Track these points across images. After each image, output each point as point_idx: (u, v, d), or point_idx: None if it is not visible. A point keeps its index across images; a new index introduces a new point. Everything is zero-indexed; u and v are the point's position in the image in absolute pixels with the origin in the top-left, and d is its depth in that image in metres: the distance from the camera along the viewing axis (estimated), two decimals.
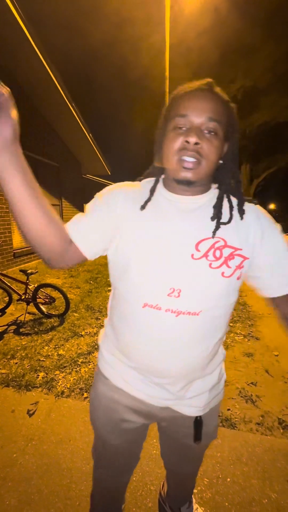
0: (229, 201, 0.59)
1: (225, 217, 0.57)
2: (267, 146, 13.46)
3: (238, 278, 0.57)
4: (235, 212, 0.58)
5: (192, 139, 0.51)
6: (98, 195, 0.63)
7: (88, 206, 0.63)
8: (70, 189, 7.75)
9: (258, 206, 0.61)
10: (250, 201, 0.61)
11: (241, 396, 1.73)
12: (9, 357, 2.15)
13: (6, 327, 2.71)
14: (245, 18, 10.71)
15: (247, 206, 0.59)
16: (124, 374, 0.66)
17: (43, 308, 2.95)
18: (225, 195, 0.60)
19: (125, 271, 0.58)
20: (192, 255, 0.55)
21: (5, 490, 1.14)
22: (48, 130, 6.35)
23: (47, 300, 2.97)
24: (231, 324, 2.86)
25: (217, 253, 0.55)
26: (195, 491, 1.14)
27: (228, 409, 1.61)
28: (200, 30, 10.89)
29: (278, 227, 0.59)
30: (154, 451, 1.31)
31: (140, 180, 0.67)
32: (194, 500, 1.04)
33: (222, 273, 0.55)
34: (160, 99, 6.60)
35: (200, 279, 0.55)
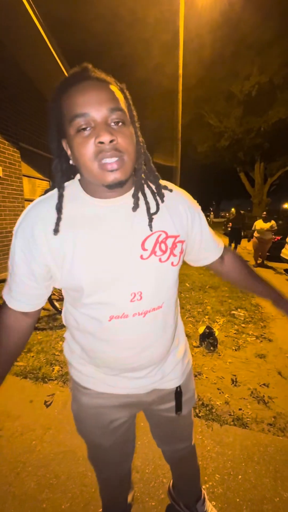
0: (149, 188, 0.59)
1: (152, 205, 0.58)
2: (283, 144, 13.09)
3: (181, 262, 0.63)
4: (158, 198, 0.59)
5: (106, 138, 0.46)
6: (14, 237, 0.55)
7: (11, 256, 0.56)
8: None
9: (180, 189, 0.65)
10: (165, 187, 0.61)
11: (253, 397, 1.73)
12: (26, 350, 2.25)
13: None
14: (260, 12, 10.40)
15: (172, 192, 0.62)
16: (105, 379, 0.66)
17: (57, 304, 3.04)
18: (143, 182, 0.58)
19: (80, 293, 0.56)
20: (141, 256, 0.55)
21: (26, 474, 1.21)
22: None
23: (61, 297, 3.05)
24: (243, 325, 2.84)
25: (163, 246, 0.57)
26: (206, 485, 1.17)
27: (240, 409, 1.62)
28: (214, 25, 10.68)
29: (199, 206, 0.67)
30: None
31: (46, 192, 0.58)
32: (207, 497, 1.06)
33: (172, 263, 0.59)
34: (173, 97, 6.55)
35: (155, 276, 0.57)
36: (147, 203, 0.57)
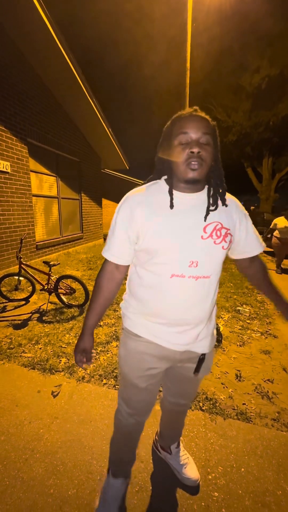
0: (216, 193, 0.82)
1: (215, 206, 0.82)
2: None
3: (229, 248, 0.84)
4: (222, 201, 0.83)
5: (196, 150, 0.72)
6: (116, 212, 0.83)
7: (112, 225, 0.84)
8: (90, 183, 7.89)
9: (236, 199, 0.88)
10: (228, 194, 0.86)
11: (257, 392, 1.74)
12: (33, 342, 2.30)
13: (30, 315, 2.88)
14: (271, 2, 10.04)
15: (231, 199, 0.86)
16: (154, 330, 0.86)
17: (64, 298, 3.09)
18: (215, 188, 0.82)
19: (155, 255, 0.79)
20: (202, 236, 0.78)
21: (34, 460, 1.25)
22: (71, 126, 6.48)
23: (68, 291, 3.10)
24: (248, 321, 2.83)
25: (218, 233, 0.79)
26: (209, 477, 1.19)
27: (244, 404, 1.63)
28: (222, 16, 10.39)
29: (246, 212, 0.89)
30: None
31: (146, 182, 0.87)
32: (181, 444, 1.28)
33: (222, 247, 0.80)
34: (180, 92, 6.45)
35: (209, 253, 0.78)
36: (209, 202, 0.80)
